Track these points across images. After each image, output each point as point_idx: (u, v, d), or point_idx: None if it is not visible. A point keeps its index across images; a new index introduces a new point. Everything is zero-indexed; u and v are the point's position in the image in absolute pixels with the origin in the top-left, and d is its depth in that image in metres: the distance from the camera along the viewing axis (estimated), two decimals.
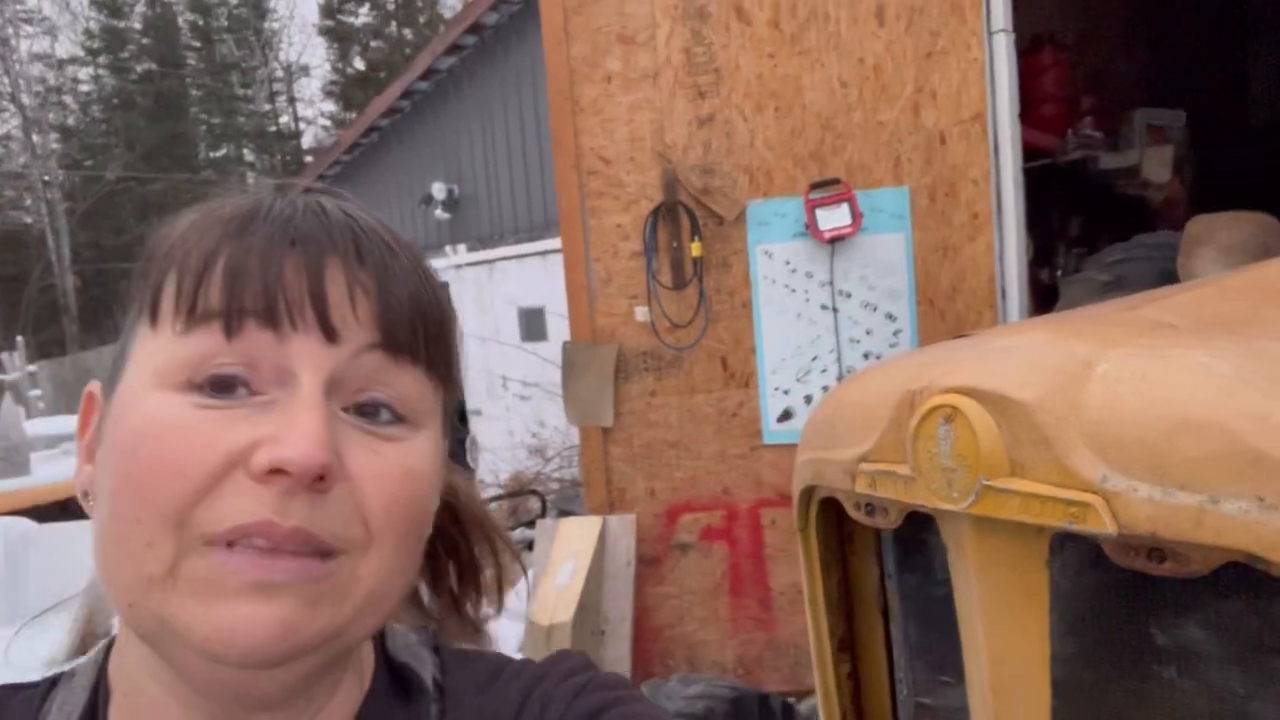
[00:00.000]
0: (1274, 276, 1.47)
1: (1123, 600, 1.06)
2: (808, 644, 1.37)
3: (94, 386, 0.56)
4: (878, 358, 3.38)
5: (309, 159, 23.46)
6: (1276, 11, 5.60)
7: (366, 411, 0.50)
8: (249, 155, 31.14)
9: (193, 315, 0.48)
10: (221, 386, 0.48)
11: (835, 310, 3.36)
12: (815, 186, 3.34)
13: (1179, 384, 0.95)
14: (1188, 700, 1.04)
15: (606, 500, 3.65)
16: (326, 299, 0.49)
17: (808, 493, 1.27)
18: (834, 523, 1.34)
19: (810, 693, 1.66)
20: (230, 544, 0.46)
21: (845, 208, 3.33)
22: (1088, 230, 5.00)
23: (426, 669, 0.60)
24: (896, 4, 3.36)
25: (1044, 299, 4.16)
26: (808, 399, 3.39)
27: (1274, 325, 1.12)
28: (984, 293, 3.40)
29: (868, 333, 3.38)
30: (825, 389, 3.38)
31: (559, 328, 5.36)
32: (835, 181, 3.34)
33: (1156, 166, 4.09)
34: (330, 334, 0.48)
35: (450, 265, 5.71)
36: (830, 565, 1.32)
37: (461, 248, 5.82)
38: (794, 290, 3.40)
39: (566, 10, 3.51)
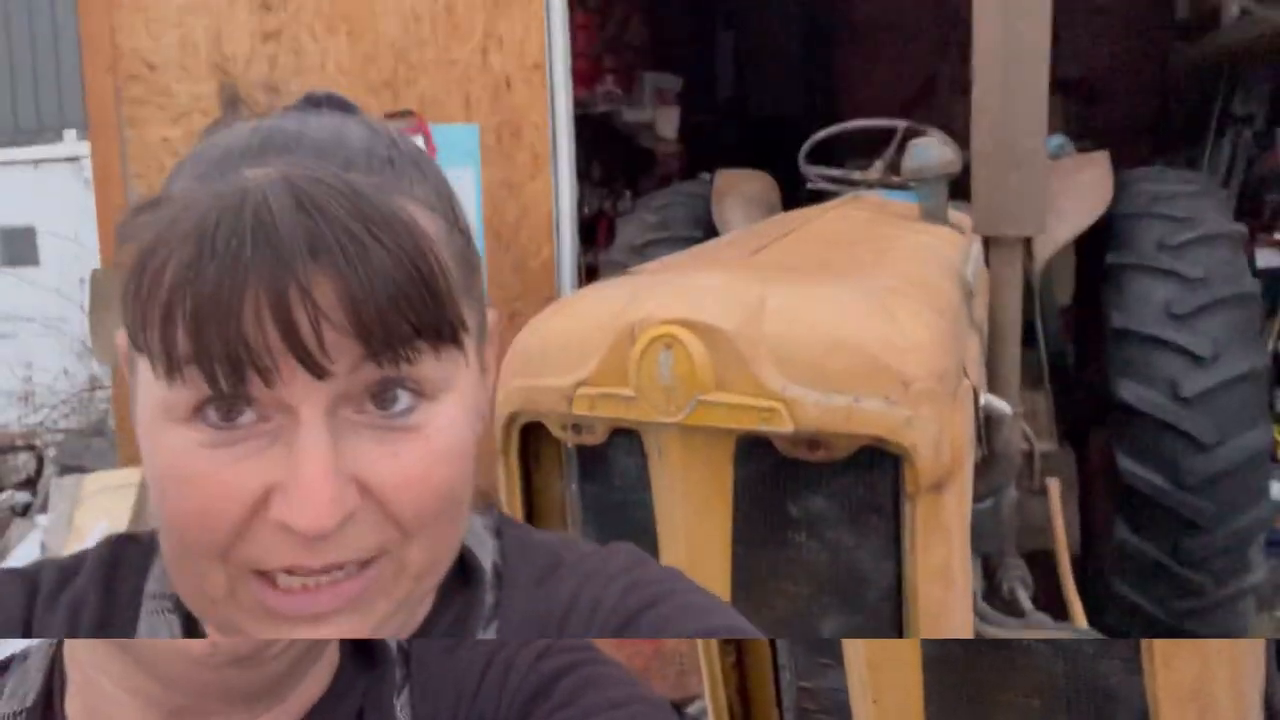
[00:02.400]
0: (821, 228, 1.91)
1: (769, 485, 1.36)
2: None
3: (121, 338, 0.51)
4: None
5: None
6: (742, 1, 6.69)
7: (382, 401, 0.48)
8: None
9: (171, 366, 0.46)
10: (230, 412, 0.47)
11: None
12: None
13: (827, 315, 1.25)
14: (813, 556, 1.38)
15: None
16: (300, 340, 0.45)
17: (511, 419, 1.39)
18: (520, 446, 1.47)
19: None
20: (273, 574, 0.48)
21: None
22: (605, 174, 5.60)
23: (487, 553, 0.60)
24: None
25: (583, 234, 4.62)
26: None
27: (860, 266, 1.50)
28: (544, 227, 3.69)
29: None
30: None
31: (57, 250, 4.59)
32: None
33: (666, 124, 4.73)
34: (316, 372, 0.45)
35: None
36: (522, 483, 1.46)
37: None
38: None
39: None
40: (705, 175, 4.00)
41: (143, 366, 0.48)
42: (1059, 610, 2.15)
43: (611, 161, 5.49)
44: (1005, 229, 1.56)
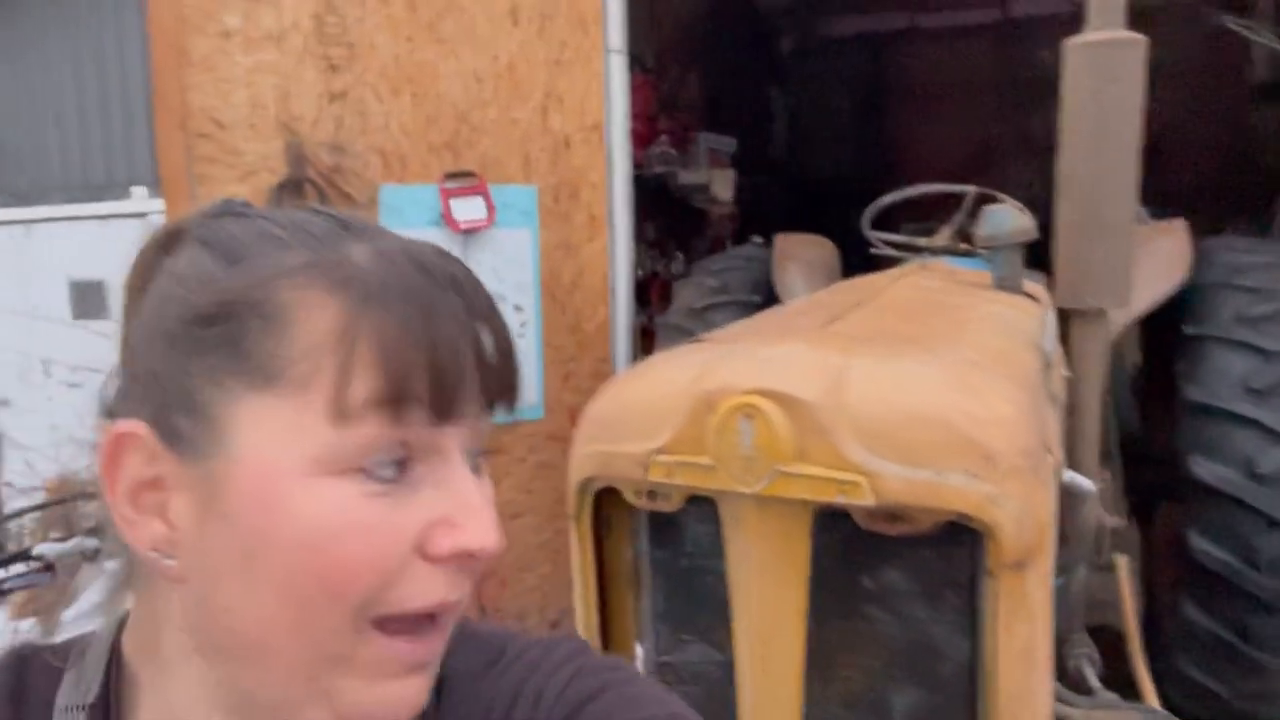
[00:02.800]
0: (893, 297, 1.90)
1: (844, 557, 1.33)
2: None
3: (135, 427, 0.51)
4: None
5: None
6: (794, 61, 6.78)
7: (475, 464, 0.54)
8: None
9: (353, 407, 0.48)
10: (384, 466, 0.49)
11: None
12: (450, 176, 3.39)
13: (909, 387, 1.23)
14: (886, 630, 1.34)
15: None
16: (486, 376, 0.51)
17: (584, 484, 1.38)
18: (592, 511, 1.46)
19: None
20: (397, 623, 0.50)
21: (480, 200, 3.42)
22: (658, 236, 5.65)
23: None
24: (529, 7, 3.53)
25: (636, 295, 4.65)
26: None
27: (938, 337, 1.48)
28: (599, 289, 3.72)
29: None
30: None
31: None
32: (470, 174, 3.42)
33: (722, 186, 4.76)
34: (489, 409, 0.52)
35: None
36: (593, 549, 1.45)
37: None
38: None
39: None
40: (757, 239, 4.01)
41: (274, 424, 0.48)
42: (1124, 689, 2.08)
43: (664, 223, 5.54)
44: (1089, 301, 1.54)
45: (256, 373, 0.48)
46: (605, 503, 1.45)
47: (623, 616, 1.49)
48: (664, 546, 1.45)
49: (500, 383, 0.53)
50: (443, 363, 0.49)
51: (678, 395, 1.27)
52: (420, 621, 0.51)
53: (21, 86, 4.79)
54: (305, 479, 0.48)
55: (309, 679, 0.50)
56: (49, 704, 0.57)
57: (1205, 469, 2.32)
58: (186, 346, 0.50)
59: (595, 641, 1.44)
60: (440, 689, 0.60)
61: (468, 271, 0.53)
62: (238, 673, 0.52)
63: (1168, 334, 2.64)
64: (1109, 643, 2.24)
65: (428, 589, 0.50)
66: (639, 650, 1.51)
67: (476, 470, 0.54)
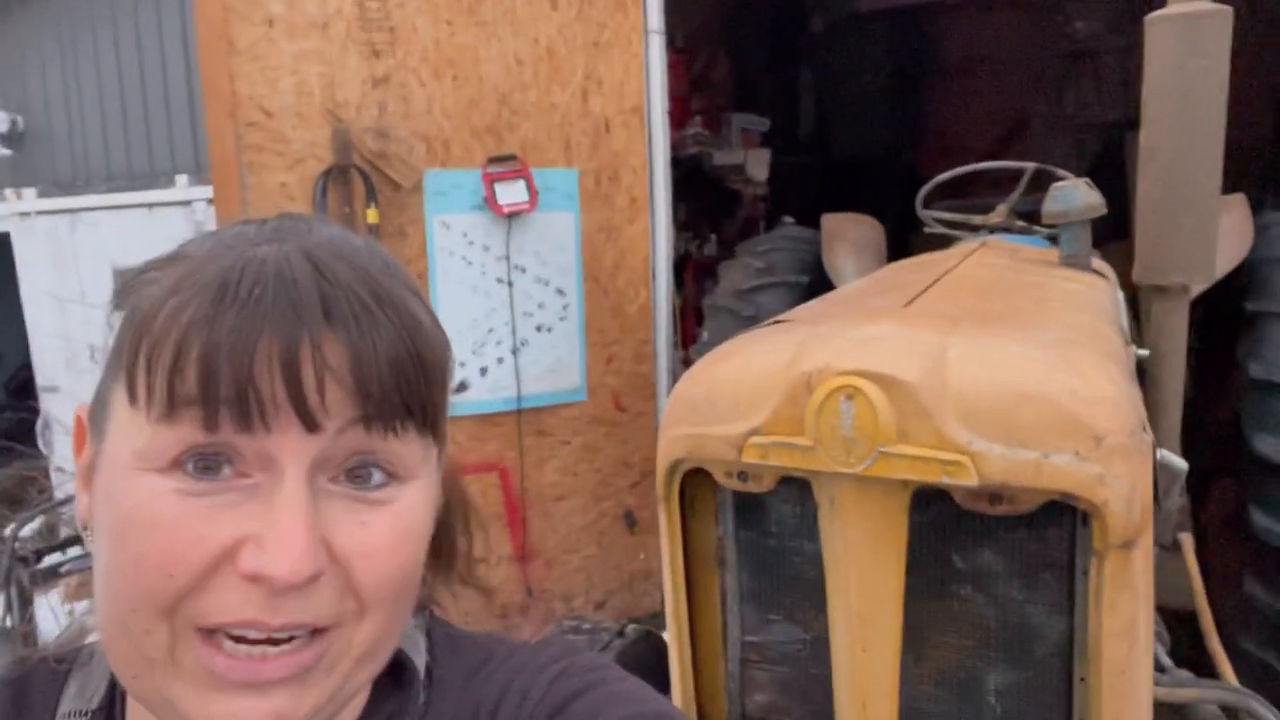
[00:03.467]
0: (965, 275, 1.88)
1: (940, 537, 1.33)
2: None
3: (82, 411, 0.55)
4: (549, 330, 3.54)
5: None
6: (824, 39, 6.69)
7: (356, 476, 0.50)
8: None
9: (170, 406, 0.47)
10: (209, 468, 0.48)
11: (510, 284, 3.45)
12: (493, 161, 3.39)
13: (1010, 366, 1.22)
14: (980, 610, 1.35)
15: None
16: (302, 390, 0.47)
17: (674, 466, 1.39)
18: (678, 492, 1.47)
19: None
20: (221, 634, 0.47)
21: (522, 184, 3.42)
22: (690, 217, 5.62)
23: (419, 653, 0.61)
24: None
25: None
26: (483, 371, 3.45)
27: (1025, 315, 1.47)
28: (641, 271, 3.72)
29: (540, 306, 3.52)
30: (500, 361, 3.47)
31: None
32: (512, 157, 3.42)
33: (758, 167, 4.73)
34: (310, 425, 0.48)
35: (12, 213, 4.74)
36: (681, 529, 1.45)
37: (30, 193, 4.86)
38: (471, 263, 3.42)
39: None
40: (789, 219, 3.98)
41: (122, 417, 0.49)
42: (1194, 667, 2.07)
43: (696, 205, 5.51)
44: (1174, 277, 1.52)
45: (117, 364, 0.50)
46: (689, 483, 1.45)
47: (709, 597, 1.50)
48: (750, 527, 1.45)
49: (349, 400, 0.48)
50: (247, 368, 0.46)
51: (773, 377, 1.27)
52: (251, 638, 0.47)
53: (65, 78, 4.81)
54: (128, 471, 0.48)
55: (140, 678, 0.49)
56: (52, 711, 0.57)
57: (1269, 445, 2.30)
58: (108, 342, 0.53)
59: (683, 621, 1.45)
60: (429, 696, 0.60)
61: (351, 280, 0.50)
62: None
63: (1222, 311, 2.61)
64: (1170, 622, 2.23)
65: (234, 604, 0.47)
66: (729, 629, 1.52)
67: (375, 488, 0.51)
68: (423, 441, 0.53)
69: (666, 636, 1.73)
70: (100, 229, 4.52)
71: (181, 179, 4.27)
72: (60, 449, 5.04)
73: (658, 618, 3.87)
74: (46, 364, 4.91)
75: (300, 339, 0.47)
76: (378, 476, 0.51)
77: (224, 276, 0.48)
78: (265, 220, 0.55)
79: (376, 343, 0.49)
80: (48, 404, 4.82)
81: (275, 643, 0.48)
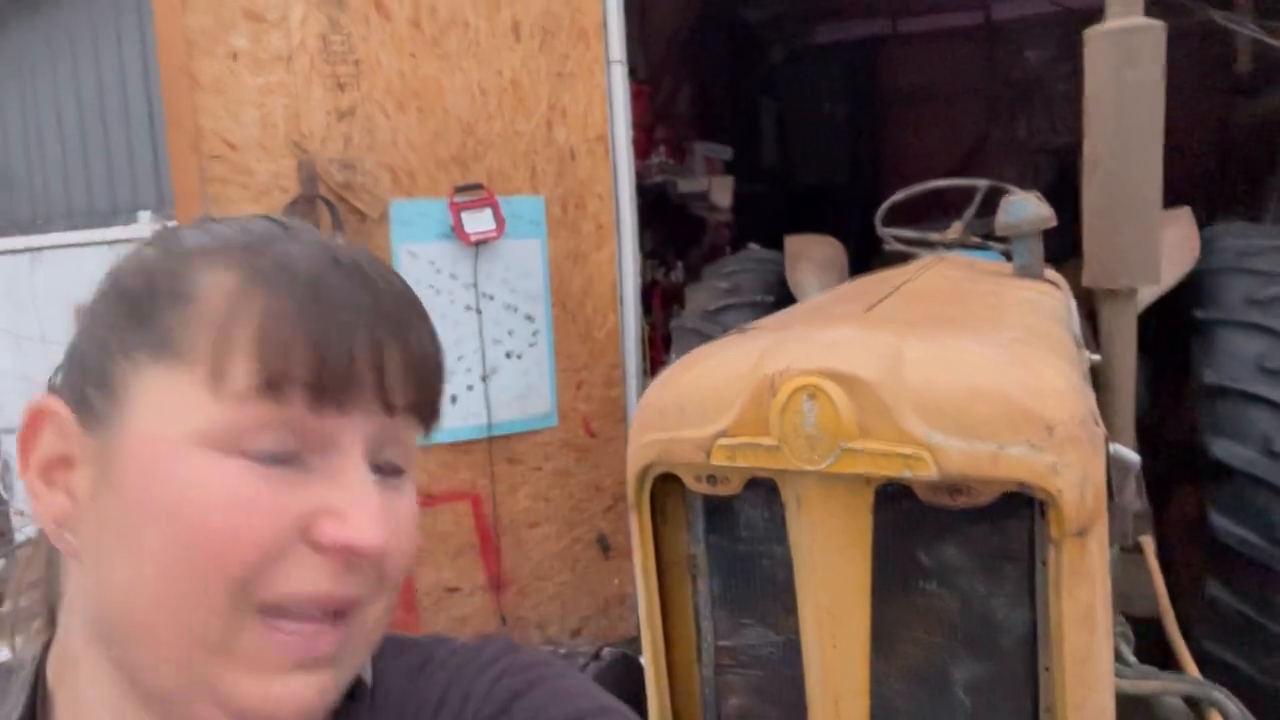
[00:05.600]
0: (924, 285, 1.94)
1: (902, 533, 1.36)
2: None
3: (51, 403, 0.52)
4: (519, 357, 3.56)
5: None
6: (784, 70, 6.85)
7: (384, 469, 0.53)
8: None
9: (260, 385, 0.48)
10: (277, 458, 0.49)
11: (479, 312, 3.47)
12: (460, 190, 3.42)
13: (965, 364, 1.26)
14: (945, 604, 1.37)
15: None
16: (385, 376, 0.51)
17: (644, 471, 1.41)
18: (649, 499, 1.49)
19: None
20: (282, 612, 0.49)
21: (489, 212, 3.46)
22: (658, 245, 5.69)
23: (366, 662, 0.61)
24: (530, 22, 3.57)
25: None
26: (453, 399, 3.45)
27: (980, 319, 1.52)
28: (609, 296, 3.75)
29: (509, 333, 3.54)
30: (470, 388, 3.47)
31: None
32: (479, 186, 3.45)
33: (721, 194, 4.81)
34: (389, 409, 0.52)
35: None
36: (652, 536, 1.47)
37: None
38: (439, 291, 3.44)
39: None
40: (755, 245, 4.05)
41: (165, 396, 0.48)
42: (1161, 665, 2.11)
43: (662, 232, 5.58)
44: (1121, 280, 1.58)
45: (159, 345, 0.49)
46: (659, 491, 1.47)
47: (681, 605, 1.52)
48: (720, 533, 1.47)
49: (406, 390, 0.53)
50: (327, 349, 0.49)
51: (739, 380, 1.30)
52: (308, 615, 0.49)
53: (24, 115, 4.79)
54: (187, 451, 0.48)
55: (187, 667, 0.48)
56: None
57: (1224, 449, 2.36)
58: (110, 322, 0.52)
59: (657, 628, 1.46)
60: (370, 698, 0.60)
61: (395, 283, 0.55)
62: (125, 658, 0.50)
63: (1173, 321, 2.69)
64: (1132, 629, 2.27)
65: (309, 576, 0.48)
66: (703, 635, 1.54)
67: (392, 475, 0.54)
68: (420, 437, 0.57)
69: (643, 658, 1.75)
70: (61, 268, 4.48)
71: (144, 215, 4.25)
72: (20, 490, 4.95)
73: (634, 642, 3.86)
74: (4, 405, 4.84)
75: (386, 329, 0.52)
76: (394, 468, 0.54)
77: (315, 270, 0.51)
78: (279, 219, 0.57)
79: (424, 343, 0.55)
80: (6, 446, 4.74)
81: (337, 616, 0.50)
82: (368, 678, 0.60)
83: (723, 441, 1.29)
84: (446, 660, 0.62)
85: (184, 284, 0.50)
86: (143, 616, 0.48)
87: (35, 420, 0.53)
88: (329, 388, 0.49)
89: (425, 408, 0.55)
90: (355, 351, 0.50)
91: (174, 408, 0.48)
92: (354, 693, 0.59)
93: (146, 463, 0.48)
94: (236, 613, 0.47)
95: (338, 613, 0.50)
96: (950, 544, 1.35)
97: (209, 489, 0.47)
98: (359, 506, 0.49)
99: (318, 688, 0.50)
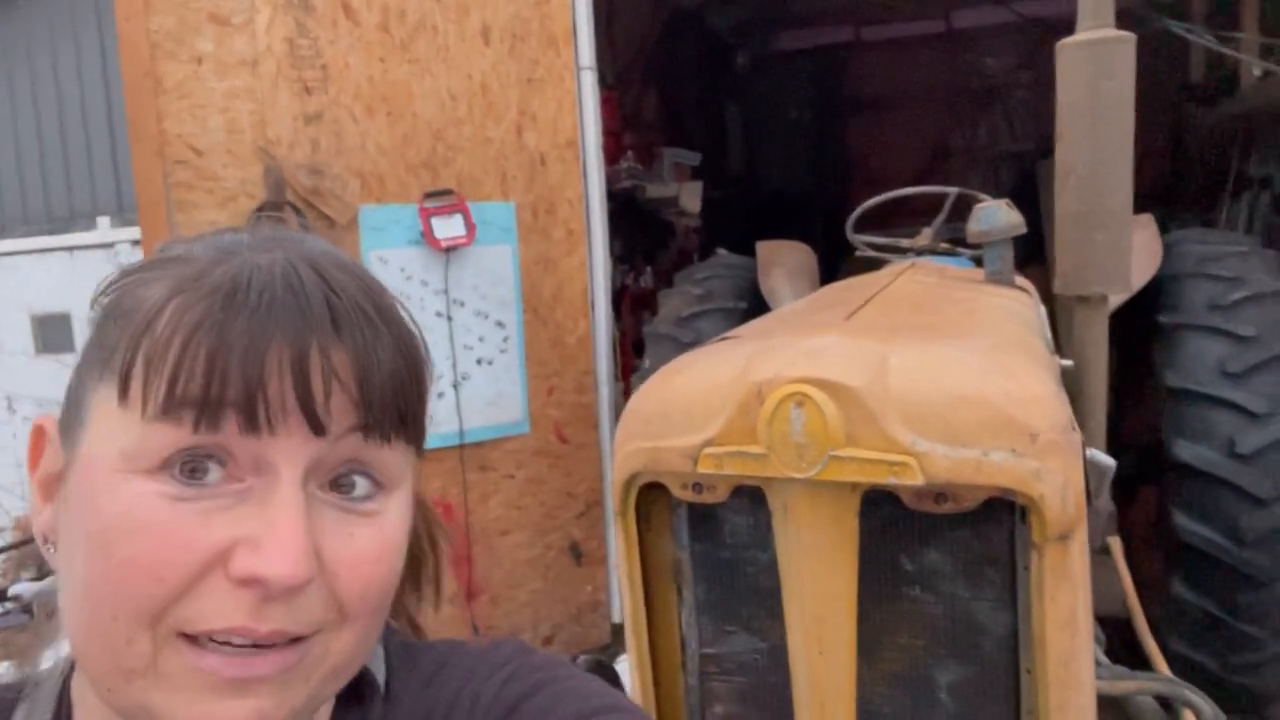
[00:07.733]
0: (899, 292, 1.96)
1: (887, 539, 1.37)
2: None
3: (46, 421, 0.54)
4: (490, 363, 3.54)
5: None
6: (749, 76, 6.90)
7: (343, 485, 0.51)
8: None
9: (170, 405, 0.46)
10: (197, 470, 0.47)
11: (450, 318, 3.45)
12: (430, 195, 3.40)
13: (949, 371, 1.28)
14: (929, 609, 1.39)
15: None
16: (311, 395, 0.48)
17: (630, 480, 1.41)
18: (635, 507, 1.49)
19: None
20: (204, 642, 0.47)
21: (459, 218, 3.44)
22: (627, 250, 5.69)
23: (380, 668, 0.61)
24: (500, 27, 3.56)
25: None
26: None
27: (958, 327, 1.54)
28: (579, 302, 3.75)
29: (480, 339, 3.52)
30: (441, 395, 3.45)
31: None
32: (449, 192, 3.43)
33: (690, 199, 4.83)
34: (316, 429, 0.48)
35: None
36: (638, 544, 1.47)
37: None
38: (409, 298, 3.39)
39: None
40: (723, 250, 4.07)
41: (105, 419, 0.48)
42: (1129, 668, 2.15)
43: (630, 238, 5.59)
44: (1093, 287, 1.61)
45: (104, 364, 0.49)
46: (644, 500, 1.48)
47: (666, 612, 1.52)
48: (705, 540, 1.48)
49: (353, 406, 0.49)
50: (258, 370, 0.46)
51: (725, 388, 1.30)
52: (235, 644, 0.47)
53: None
54: (112, 474, 0.47)
55: (119, 689, 0.47)
56: None
57: (1188, 451, 2.41)
58: (87, 344, 0.52)
59: (642, 636, 1.46)
60: (385, 710, 0.60)
61: (352, 292, 0.51)
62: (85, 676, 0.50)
63: (1135, 325, 2.74)
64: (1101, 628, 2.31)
65: (225, 610, 0.46)
66: (688, 641, 1.54)
67: (360, 500, 0.51)
68: (407, 451, 0.54)
69: (619, 665, 1.74)
70: (19, 274, 4.38)
71: (103, 221, 4.18)
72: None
73: (607, 649, 3.85)
74: None
75: (309, 345, 0.48)
76: (363, 486, 0.51)
77: (233, 280, 0.48)
78: (254, 229, 0.55)
79: (379, 353, 0.50)
80: None
81: (261, 648, 0.47)
82: (380, 679, 0.60)
83: (710, 450, 1.30)
84: (459, 664, 0.62)
85: (126, 300, 0.50)
86: (78, 639, 0.48)
87: (35, 437, 0.54)
88: (259, 410, 0.46)
89: (387, 422, 0.51)
90: (267, 368, 0.46)
91: (108, 429, 0.48)
92: (363, 693, 0.59)
93: (85, 485, 0.48)
94: (157, 640, 0.46)
95: (295, 638, 0.48)
96: (934, 549, 1.37)
97: (127, 516, 0.46)
98: (274, 535, 0.46)
99: (255, 709, 0.47)
